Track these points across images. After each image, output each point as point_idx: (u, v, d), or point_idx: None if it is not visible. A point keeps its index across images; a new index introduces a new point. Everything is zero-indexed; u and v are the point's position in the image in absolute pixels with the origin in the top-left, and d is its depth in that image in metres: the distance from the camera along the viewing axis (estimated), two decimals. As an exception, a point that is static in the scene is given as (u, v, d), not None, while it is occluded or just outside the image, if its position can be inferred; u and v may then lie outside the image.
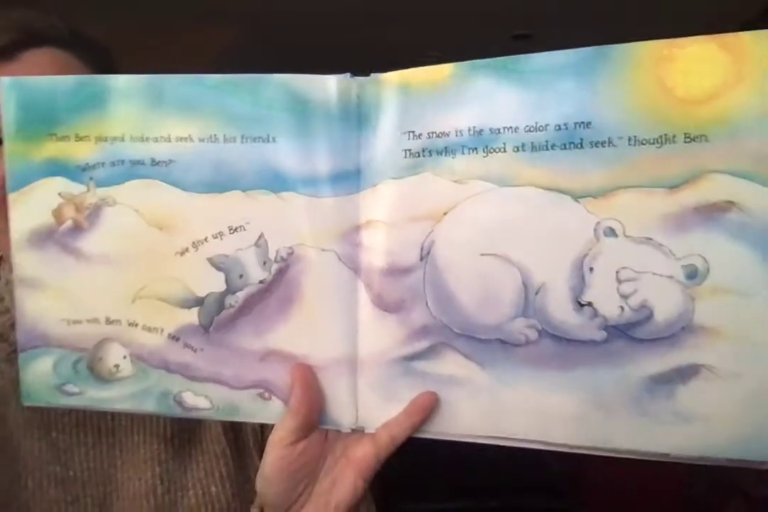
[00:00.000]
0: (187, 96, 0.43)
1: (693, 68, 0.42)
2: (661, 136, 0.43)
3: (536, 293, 0.46)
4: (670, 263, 0.43)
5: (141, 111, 0.44)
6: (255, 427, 0.69)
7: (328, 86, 0.43)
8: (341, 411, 0.49)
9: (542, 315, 0.46)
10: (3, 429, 0.60)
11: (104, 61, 0.62)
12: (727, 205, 0.42)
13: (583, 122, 0.44)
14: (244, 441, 0.69)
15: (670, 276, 0.43)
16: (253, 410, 0.50)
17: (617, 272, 0.44)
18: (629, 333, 0.44)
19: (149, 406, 0.51)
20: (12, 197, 0.48)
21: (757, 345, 0.42)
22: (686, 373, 0.44)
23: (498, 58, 0.49)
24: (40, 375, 0.51)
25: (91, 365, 0.50)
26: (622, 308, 0.44)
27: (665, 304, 0.44)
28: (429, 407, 0.47)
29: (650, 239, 0.43)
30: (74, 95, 0.46)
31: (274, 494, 0.49)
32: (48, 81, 0.48)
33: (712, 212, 0.42)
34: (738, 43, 0.41)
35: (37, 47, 0.59)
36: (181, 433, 0.66)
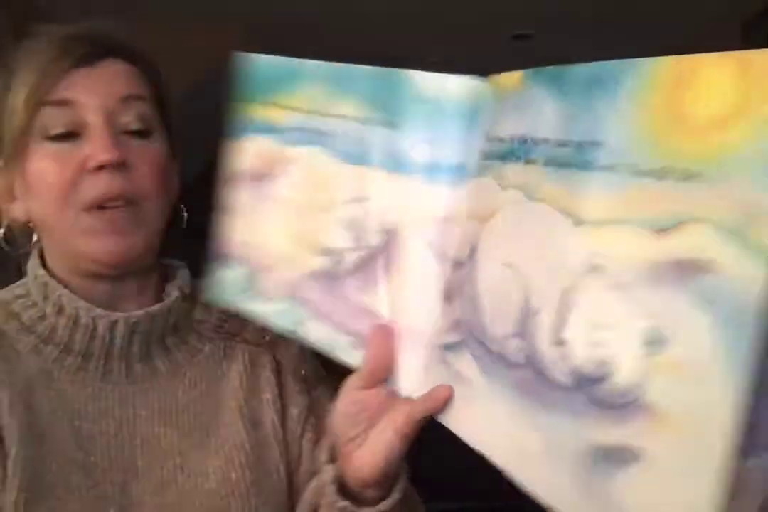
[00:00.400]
0: (347, 81, 0.53)
1: (707, 92, 0.37)
2: (662, 168, 0.37)
3: (532, 316, 0.44)
4: (638, 321, 0.38)
5: (319, 91, 0.55)
6: (275, 423, 0.74)
7: (452, 85, 0.47)
8: (405, 377, 0.54)
9: (531, 341, 0.44)
10: (30, 415, 0.64)
11: (157, 76, 0.72)
12: (706, 265, 0.35)
13: (596, 142, 0.41)
14: (264, 435, 0.73)
15: (634, 337, 0.38)
16: (346, 355, 0.57)
17: (592, 316, 0.40)
18: (590, 387, 0.40)
19: (287, 326, 0.61)
20: (232, 144, 0.62)
21: (702, 447, 0.34)
22: (627, 457, 0.38)
23: (556, 66, 0.47)
24: (223, 282, 0.65)
25: (264, 282, 0.61)
26: (588, 356, 0.40)
27: (623, 368, 0.39)
28: (444, 400, 0.52)
29: (628, 287, 0.39)
30: (278, 73, 0.59)
31: (338, 425, 0.58)
32: (266, 60, 0.61)
33: (689, 269, 0.36)
34: (758, 62, 0.34)
35: (112, 58, 0.68)
36: (201, 427, 0.71)
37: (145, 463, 0.67)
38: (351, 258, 0.54)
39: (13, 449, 0.62)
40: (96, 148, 0.64)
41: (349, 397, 0.57)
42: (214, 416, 0.72)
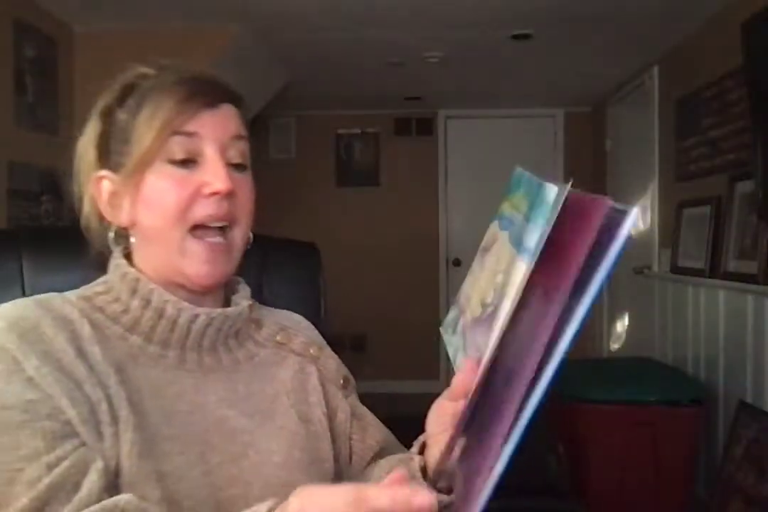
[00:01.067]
0: (529, 188, 0.66)
1: None
2: None
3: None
4: None
5: (521, 193, 0.68)
6: (323, 422, 0.87)
7: (551, 194, 0.60)
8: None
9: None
10: (122, 390, 0.74)
11: (249, 121, 0.86)
12: None
13: None
14: (314, 430, 0.86)
15: None
16: None
17: None
18: None
19: (452, 352, 0.76)
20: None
21: None
22: None
23: None
24: (447, 317, 0.82)
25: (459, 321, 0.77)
26: None
27: None
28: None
29: None
30: (515, 180, 0.72)
31: (428, 426, 0.74)
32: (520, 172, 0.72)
33: None
34: None
35: (227, 103, 0.81)
36: (259, 413, 0.82)
37: (218, 439, 0.78)
38: (488, 311, 0.68)
39: (123, 411, 0.72)
40: (215, 178, 0.76)
41: (437, 404, 0.73)
42: (270, 407, 0.83)
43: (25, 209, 2.66)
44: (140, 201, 0.78)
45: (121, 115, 0.79)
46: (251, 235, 0.84)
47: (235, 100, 0.83)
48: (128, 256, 0.83)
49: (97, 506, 0.64)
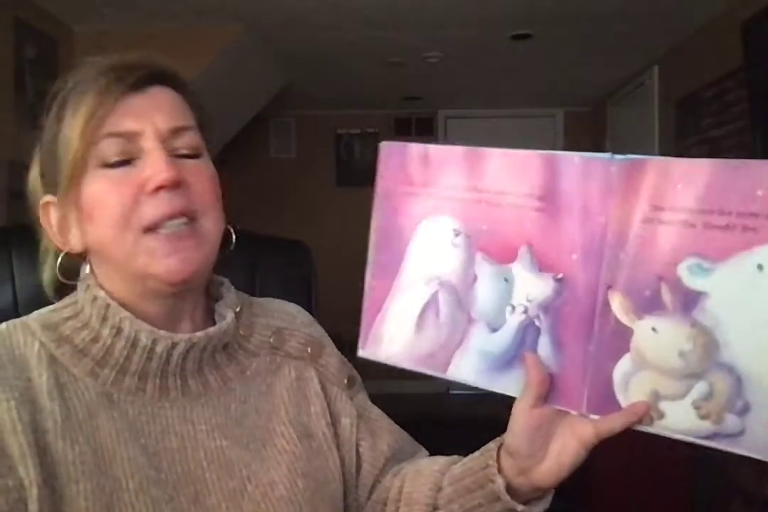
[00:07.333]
0: None
1: None
2: None
3: None
4: None
5: None
6: (327, 434, 0.77)
7: None
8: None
9: None
10: (97, 439, 0.65)
11: (199, 103, 0.75)
12: None
13: None
14: (317, 446, 0.77)
15: None
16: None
17: None
18: None
19: None
20: None
21: None
22: None
23: None
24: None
25: None
26: None
27: None
28: (643, 413, 0.59)
29: None
30: None
31: (519, 443, 0.65)
32: None
33: None
34: None
35: (158, 84, 0.70)
36: (256, 439, 0.73)
37: (213, 476, 0.69)
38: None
39: (80, 484, 0.62)
40: (154, 170, 0.66)
41: (523, 419, 0.64)
42: (266, 428, 0.74)
43: (26, 209, 2.65)
44: (83, 217, 0.68)
45: (47, 131, 0.70)
46: (230, 228, 0.75)
47: (169, 80, 0.71)
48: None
49: None
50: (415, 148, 0.68)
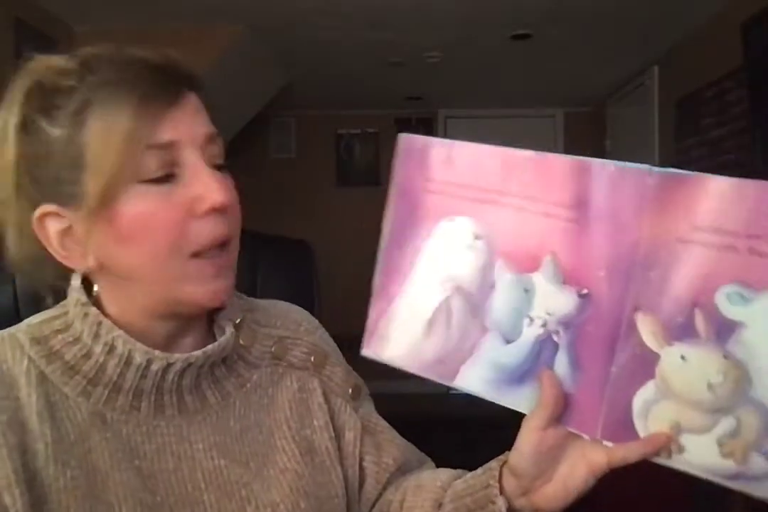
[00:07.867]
0: None
1: None
2: None
3: None
4: None
5: None
6: (330, 449, 0.74)
7: None
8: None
9: None
10: (90, 462, 0.63)
11: (207, 102, 0.70)
12: None
13: None
14: (320, 461, 0.74)
15: None
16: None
17: None
18: None
19: None
20: None
21: None
22: None
23: None
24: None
25: None
26: None
27: None
28: (662, 445, 0.56)
29: None
30: None
31: (526, 464, 0.62)
32: None
33: None
34: None
35: (187, 90, 0.65)
36: (256, 457, 0.70)
37: (211, 498, 0.66)
38: None
39: (71, 511, 0.60)
40: (208, 190, 0.62)
41: (532, 439, 0.61)
42: (267, 443, 0.72)
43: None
44: (120, 238, 0.62)
45: (54, 132, 0.62)
46: None
47: (198, 85, 0.67)
48: (87, 281, 0.68)
49: None
50: (438, 143, 0.64)
